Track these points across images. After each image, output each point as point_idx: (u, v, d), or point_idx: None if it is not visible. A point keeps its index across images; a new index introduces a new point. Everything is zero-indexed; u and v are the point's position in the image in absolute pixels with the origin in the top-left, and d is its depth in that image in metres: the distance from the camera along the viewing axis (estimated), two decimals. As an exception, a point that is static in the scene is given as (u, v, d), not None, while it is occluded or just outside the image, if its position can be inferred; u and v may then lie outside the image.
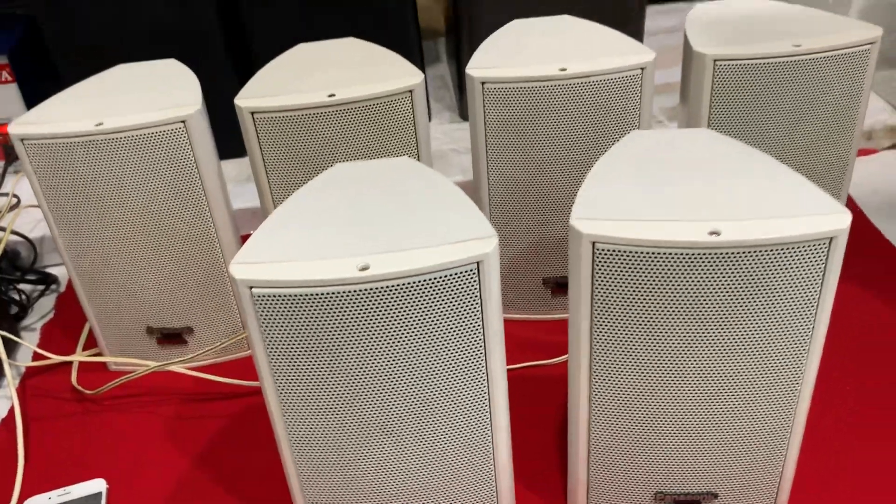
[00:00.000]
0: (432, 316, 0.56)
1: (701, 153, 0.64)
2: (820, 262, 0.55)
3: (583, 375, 0.62)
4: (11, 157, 1.22)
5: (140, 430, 0.86)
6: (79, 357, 0.94)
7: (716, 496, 0.67)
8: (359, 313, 0.55)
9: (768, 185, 0.59)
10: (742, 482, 0.66)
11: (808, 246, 0.54)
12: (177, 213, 0.82)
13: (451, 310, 0.56)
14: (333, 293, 0.54)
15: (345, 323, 0.55)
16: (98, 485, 0.79)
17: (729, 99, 0.80)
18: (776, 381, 0.60)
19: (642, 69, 0.78)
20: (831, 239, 0.54)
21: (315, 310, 0.55)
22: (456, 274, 0.55)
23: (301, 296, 0.54)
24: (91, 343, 0.96)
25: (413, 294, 0.55)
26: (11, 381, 0.90)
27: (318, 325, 0.55)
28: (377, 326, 0.56)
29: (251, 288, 0.55)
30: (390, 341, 0.56)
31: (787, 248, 0.54)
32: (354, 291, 0.54)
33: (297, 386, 0.59)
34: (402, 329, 0.56)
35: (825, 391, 0.83)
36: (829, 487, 0.73)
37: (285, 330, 0.56)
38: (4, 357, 0.91)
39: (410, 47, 1.18)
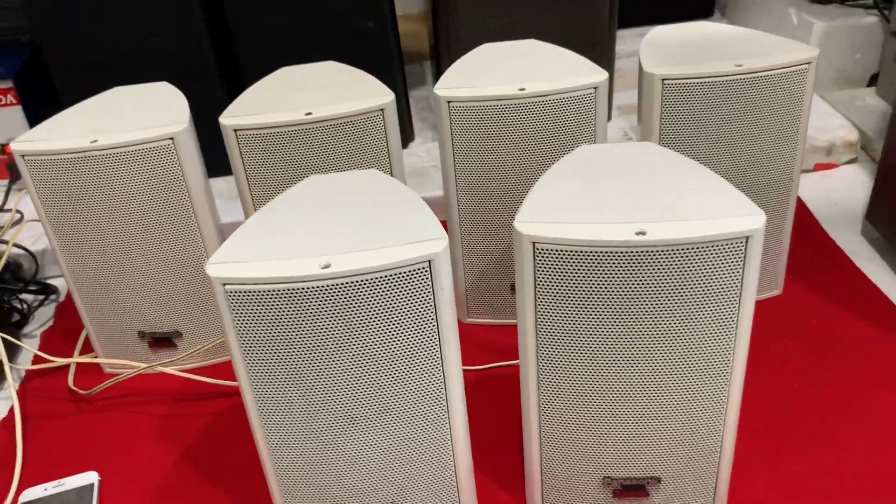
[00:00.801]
0: (389, 310, 0.62)
1: (640, 164, 0.70)
2: (738, 259, 0.60)
3: (531, 367, 0.67)
4: (15, 175, 1.29)
5: (131, 427, 0.92)
6: (75, 359, 1.00)
7: (659, 480, 0.72)
8: (322, 308, 0.61)
9: (696, 191, 0.65)
10: (683, 468, 0.71)
11: (726, 244, 0.60)
12: (166, 225, 0.89)
13: (407, 304, 0.62)
14: (298, 289, 0.60)
15: (309, 316, 0.61)
16: (90, 477, 0.85)
17: (678, 116, 0.87)
18: (707, 372, 0.65)
19: (595, 88, 0.85)
20: (747, 238, 0.60)
21: (282, 304, 0.61)
22: (410, 271, 0.61)
23: (269, 292, 0.60)
24: (87, 349, 1.02)
25: (370, 289, 0.61)
26: (12, 383, 0.96)
27: (286, 318, 0.61)
28: (339, 320, 0.61)
29: (224, 285, 0.61)
30: (351, 334, 0.62)
31: (707, 247, 0.60)
32: (317, 287, 0.60)
33: (268, 376, 0.64)
34: (361, 322, 0.62)
35: (772, 389, 0.88)
36: (766, 473, 0.78)
37: (256, 323, 0.62)
38: (6, 360, 0.96)
39: (391, 70, 1.25)
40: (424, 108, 1.50)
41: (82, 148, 0.83)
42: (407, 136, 1.38)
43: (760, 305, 1.00)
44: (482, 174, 0.90)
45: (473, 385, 0.93)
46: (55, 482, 0.85)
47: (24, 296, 1.14)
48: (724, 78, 0.84)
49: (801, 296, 1.01)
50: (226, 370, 0.98)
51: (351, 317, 0.62)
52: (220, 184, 1.28)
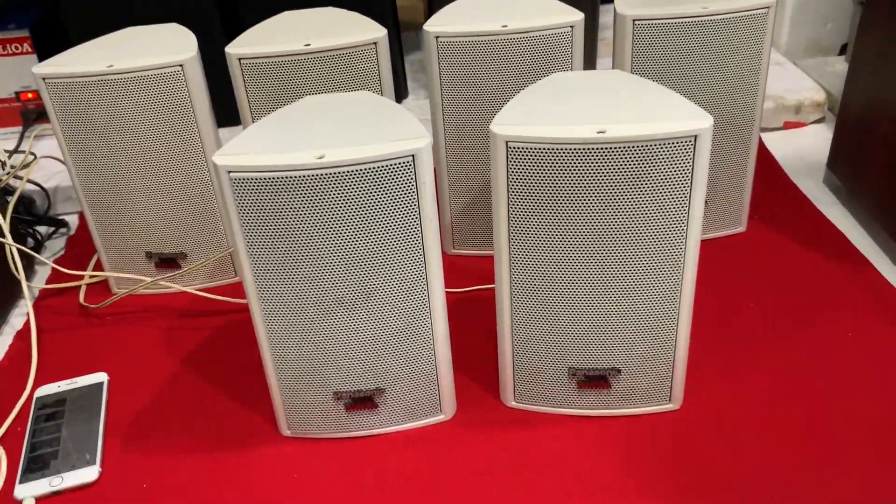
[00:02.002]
0: (377, 198, 0.69)
1: (607, 85, 0.78)
2: (688, 156, 0.68)
3: (503, 257, 0.75)
4: (30, 120, 1.37)
5: (138, 338, 0.99)
6: (88, 272, 1.08)
7: (619, 372, 0.79)
8: (316, 195, 0.68)
9: (655, 103, 0.72)
10: (640, 360, 0.78)
11: (676, 142, 0.67)
12: (174, 147, 0.96)
13: (392, 194, 0.69)
14: (295, 177, 0.67)
15: (305, 203, 0.69)
16: (101, 377, 0.92)
17: (647, 54, 0.94)
18: (661, 258, 0.73)
19: (572, 27, 0.92)
20: (696, 137, 0.67)
21: (281, 191, 0.68)
22: (395, 164, 0.68)
23: (269, 179, 0.68)
24: (98, 273, 1.10)
25: (360, 179, 0.68)
26: (29, 298, 1.03)
27: (283, 204, 0.69)
28: (331, 206, 0.69)
29: (229, 172, 0.68)
30: (342, 220, 0.70)
31: (660, 144, 0.67)
32: (312, 176, 0.67)
33: (266, 259, 0.72)
34: (352, 209, 0.69)
35: (731, 311, 0.96)
36: (722, 378, 0.86)
37: (256, 209, 0.69)
38: (24, 279, 1.04)
39: (385, 18, 1.33)
40: (418, 70, 1.58)
41: (99, 72, 0.90)
42: (401, 94, 1.46)
43: (723, 242, 1.08)
44: (466, 107, 0.98)
45: (456, 305, 1.00)
46: (68, 381, 0.92)
47: (37, 228, 1.21)
48: (691, 19, 0.92)
49: (762, 233, 1.09)
50: (228, 291, 1.06)
51: (342, 204, 0.69)
52: (225, 133, 1.35)
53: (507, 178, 0.70)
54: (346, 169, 0.67)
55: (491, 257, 1.08)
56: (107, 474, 0.80)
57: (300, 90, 0.94)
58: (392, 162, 0.68)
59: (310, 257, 0.71)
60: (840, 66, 1.43)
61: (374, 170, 0.68)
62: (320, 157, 0.67)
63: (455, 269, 1.07)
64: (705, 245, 1.07)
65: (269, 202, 0.69)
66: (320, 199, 0.69)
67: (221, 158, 0.69)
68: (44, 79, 0.91)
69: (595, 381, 0.80)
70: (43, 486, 0.79)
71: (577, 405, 0.82)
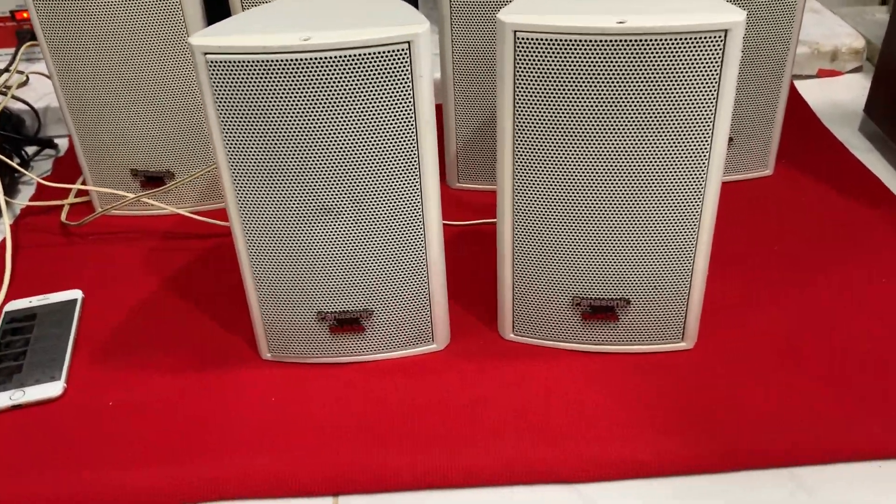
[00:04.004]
0: (367, 92, 0.62)
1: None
2: (717, 54, 0.60)
3: (506, 172, 0.68)
4: (24, 40, 1.31)
5: (119, 257, 0.94)
6: (75, 186, 1.02)
7: (628, 302, 0.72)
8: (301, 82, 0.61)
9: (685, 1, 0.65)
10: (652, 290, 0.71)
11: (705, 37, 0.60)
12: (161, 60, 0.90)
13: (385, 87, 0.62)
14: (278, 60, 0.61)
15: (288, 91, 0.62)
16: (74, 293, 0.87)
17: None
18: (682, 173, 0.65)
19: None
20: (727, 31, 0.60)
21: (262, 77, 0.61)
22: (389, 51, 0.61)
23: (249, 62, 0.61)
24: (84, 195, 1.04)
25: (349, 67, 0.61)
26: (6, 215, 0.98)
27: (265, 92, 0.62)
28: (318, 97, 0.62)
29: (206, 54, 0.62)
30: (329, 114, 0.63)
31: (686, 38, 0.60)
32: (296, 60, 0.61)
33: (245, 156, 0.65)
34: (339, 102, 0.62)
35: (753, 250, 0.88)
36: (739, 317, 0.79)
37: (236, 97, 0.63)
38: (1, 196, 0.98)
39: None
40: (432, 8, 1.50)
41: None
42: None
43: (749, 184, 1.00)
44: (475, 32, 0.91)
45: (458, 237, 0.94)
46: (40, 296, 0.86)
47: (26, 148, 1.16)
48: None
49: (791, 177, 1.01)
50: (220, 215, 1.00)
51: (329, 96, 0.62)
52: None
53: (514, 73, 0.63)
54: (333, 53, 0.61)
55: (494, 193, 1.01)
56: (72, 391, 0.75)
57: None
58: (385, 48, 0.61)
59: (292, 155, 0.65)
60: (881, 14, 1.34)
61: (365, 56, 0.61)
62: (306, 40, 0.61)
63: (460, 203, 1.01)
64: (729, 186, 0.99)
65: (249, 89, 0.62)
66: (304, 89, 0.62)
67: (198, 40, 0.62)
68: (26, -24, 0.85)
69: (601, 312, 0.73)
70: (3, 399, 0.73)
71: (581, 339, 0.75)
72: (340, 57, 0.61)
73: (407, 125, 0.65)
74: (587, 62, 0.61)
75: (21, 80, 1.23)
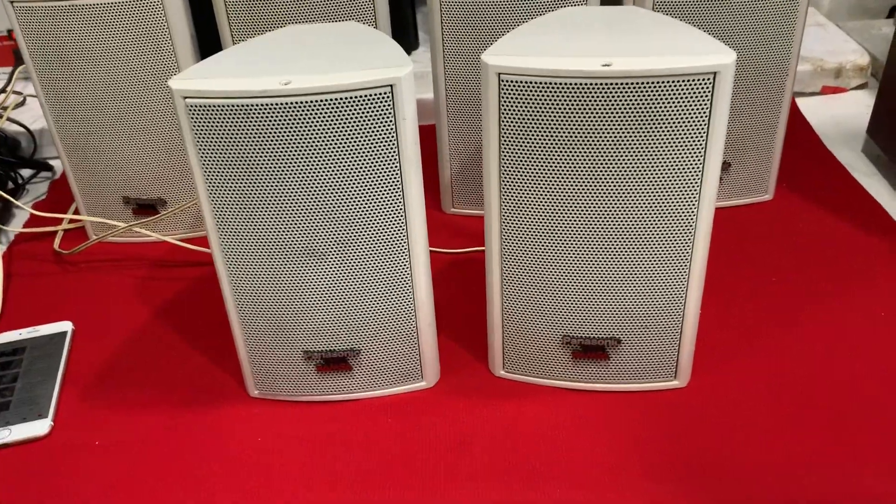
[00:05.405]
0: (350, 136, 0.61)
1: (621, 20, 0.69)
2: (705, 98, 0.59)
3: (493, 213, 0.67)
4: (19, 60, 1.30)
5: (112, 287, 0.93)
6: (67, 216, 1.02)
7: (619, 341, 0.71)
8: (281, 127, 0.60)
9: (671, 37, 0.63)
10: (644, 329, 0.70)
11: (694, 80, 0.58)
12: (152, 88, 0.89)
13: (368, 131, 0.61)
14: (257, 104, 0.60)
15: (269, 135, 0.61)
16: (65, 325, 0.86)
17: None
18: (671, 214, 0.64)
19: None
20: (715, 74, 0.58)
21: (241, 120, 0.60)
22: (371, 94, 0.60)
23: (228, 106, 0.60)
24: (76, 217, 1.03)
25: (331, 111, 0.60)
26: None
27: (245, 135, 0.61)
28: (298, 142, 0.61)
29: (185, 98, 0.61)
30: (311, 157, 0.62)
31: (673, 81, 0.58)
32: (276, 105, 0.60)
33: (228, 199, 0.64)
34: (321, 147, 0.61)
35: (749, 281, 0.87)
36: (733, 354, 0.77)
37: (215, 139, 0.62)
38: (-6, 220, 0.98)
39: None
40: (432, 22, 1.49)
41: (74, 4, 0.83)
42: (411, 45, 1.38)
43: (747, 210, 0.99)
44: (469, 57, 0.90)
45: (450, 266, 0.93)
46: (30, 328, 0.86)
47: (21, 172, 1.15)
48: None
49: (791, 202, 0.99)
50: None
51: (311, 140, 0.61)
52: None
53: (499, 115, 0.62)
54: (314, 97, 0.60)
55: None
56: (59, 429, 0.74)
57: (287, 20, 0.87)
58: (367, 92, 0.60)
59: (275, 199, 0.64)
60: (887, 28, 1.32)
61: (347, 100, 0.60)
62: (286, 84, 0.60)
63: (454, 228, 1.00)
64: (726, 212, 0.98)
65: (230, 133, 0.61)
66: (286, 133, 0.61)
67: (177, 82, 0.61)
68: (11, 2, 0.84)
69: (592, 351, 0.72)
70: (-11, 438, 0.73)
71: (573, 377, 0.74)
72: (321, 101, 0.60)
73: (391, 166, 0.63)
74: (572, 103, 0.60)
75: (18, 101, 1.23)
